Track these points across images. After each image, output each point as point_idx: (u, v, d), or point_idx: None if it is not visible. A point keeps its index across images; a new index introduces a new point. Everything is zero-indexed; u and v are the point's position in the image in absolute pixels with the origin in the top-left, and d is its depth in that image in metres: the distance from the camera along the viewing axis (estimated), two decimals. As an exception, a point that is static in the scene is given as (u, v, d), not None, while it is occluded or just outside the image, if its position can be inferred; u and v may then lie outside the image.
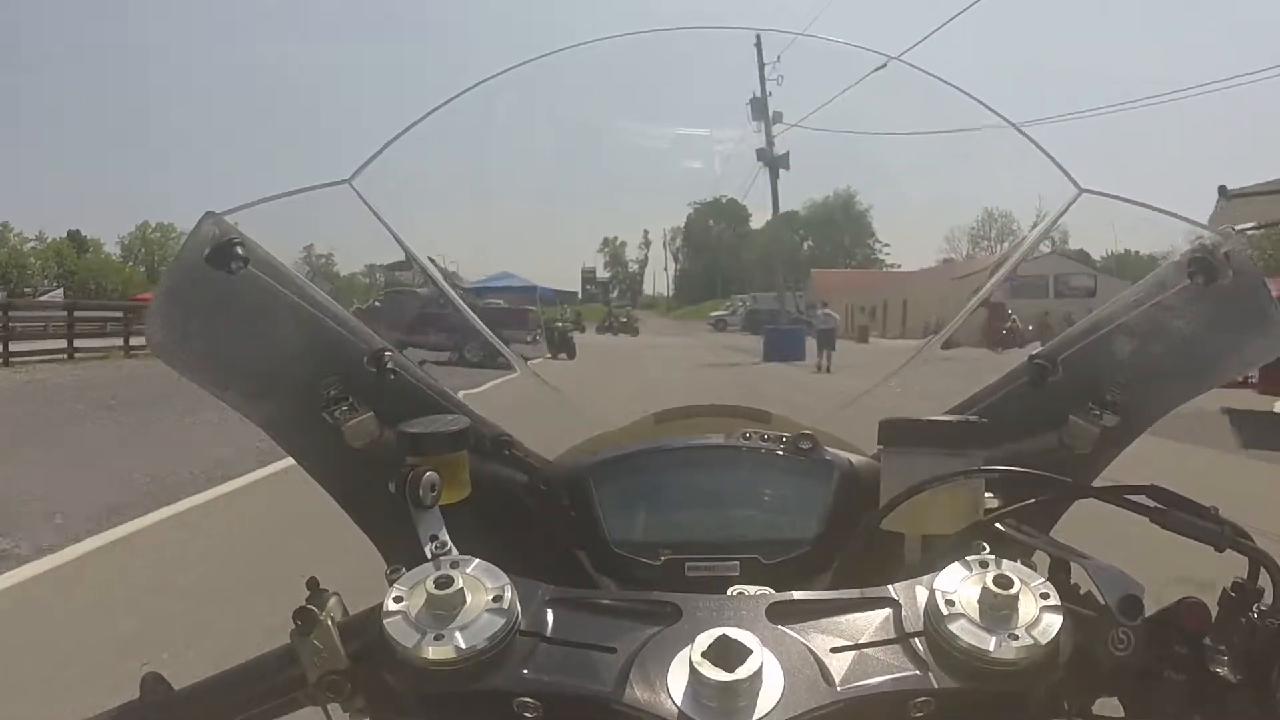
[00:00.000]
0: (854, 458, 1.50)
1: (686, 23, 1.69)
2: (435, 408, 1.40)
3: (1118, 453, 1.44)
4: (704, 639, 0.91)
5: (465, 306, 1.63)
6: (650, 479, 1.52)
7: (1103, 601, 0.97)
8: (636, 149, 2.00)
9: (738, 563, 1.40)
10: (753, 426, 1.55)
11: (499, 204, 2.16)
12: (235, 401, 1.35)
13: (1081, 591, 1.03)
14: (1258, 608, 1.02)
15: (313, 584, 1.05)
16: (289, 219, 1.38)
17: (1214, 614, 1.02)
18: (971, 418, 1.26)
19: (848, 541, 1.31)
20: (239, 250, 1.28)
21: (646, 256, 4.87)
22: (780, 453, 1.49)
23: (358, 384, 1.38)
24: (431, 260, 1.61)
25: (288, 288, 1.34)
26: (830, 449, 1.50)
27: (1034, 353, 1.44)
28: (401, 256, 1.55)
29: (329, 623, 1.01)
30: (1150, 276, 1.41)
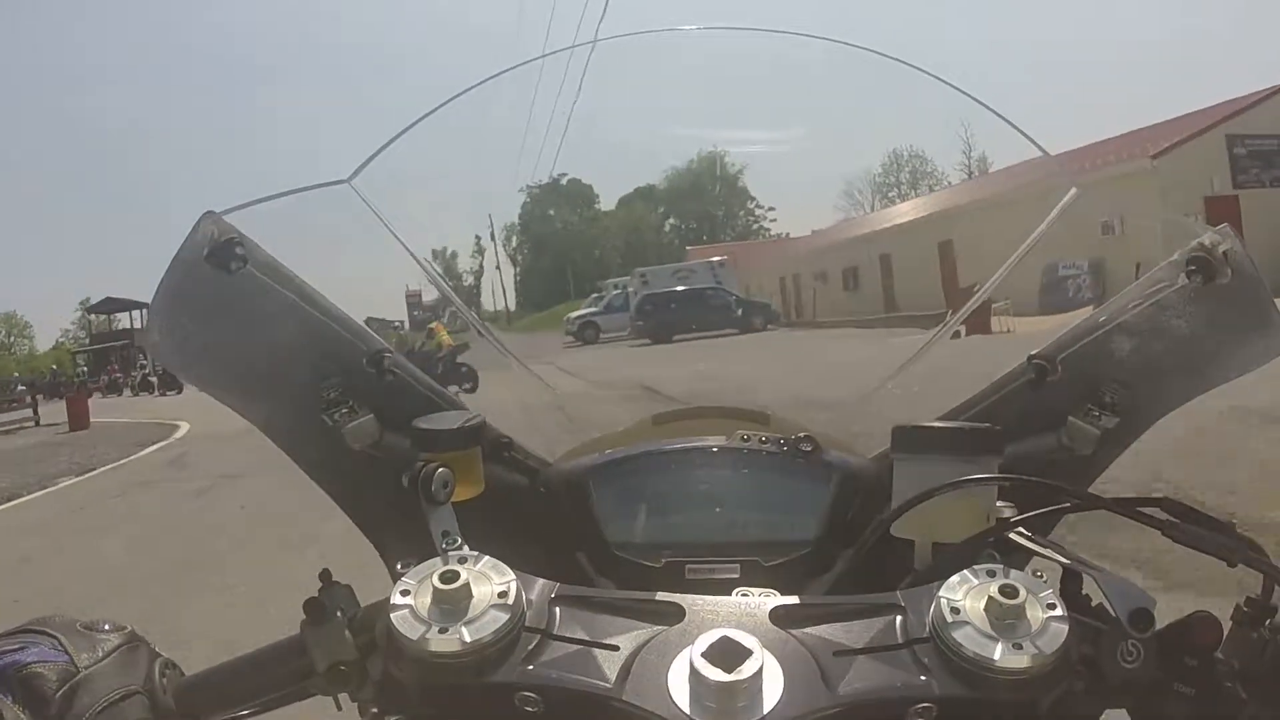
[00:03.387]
0: (854, 459, 1.49)
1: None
2: (434, 409, 1.39)
3: (1118, 454, 1.44)
4: (705, 639, 0.91)
5: (464, 307, 1.64)
6: (650, 481, 1.52)
7: (1113, 613, 0.97)
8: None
9: (737, 564, 1.40)
10: (752, 428, 1.55)
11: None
12: (234, 403, 1.35)
13: (1093, 603, 1.03)
14: (1270, 624, 1.03)
15: (325, 576, 1.06)
16: (288, 219, 1.37)
17: (1226, 629, 1.03)
18: (984, 425, 1.26)
19: (855, 545, 1.30)
20: (238, 250, 1.28)
21: (481, 265, 4.41)
22: (780, 454, 1.49)
23: (357, 385, 1.37)
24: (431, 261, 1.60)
25: (287, 288, 1.33)
26: (830, 451, 1.50)
27: (1033, 353, 1.43)
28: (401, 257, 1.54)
29: (338, 614, 1.02)
30: (1149, 276, 1.41)
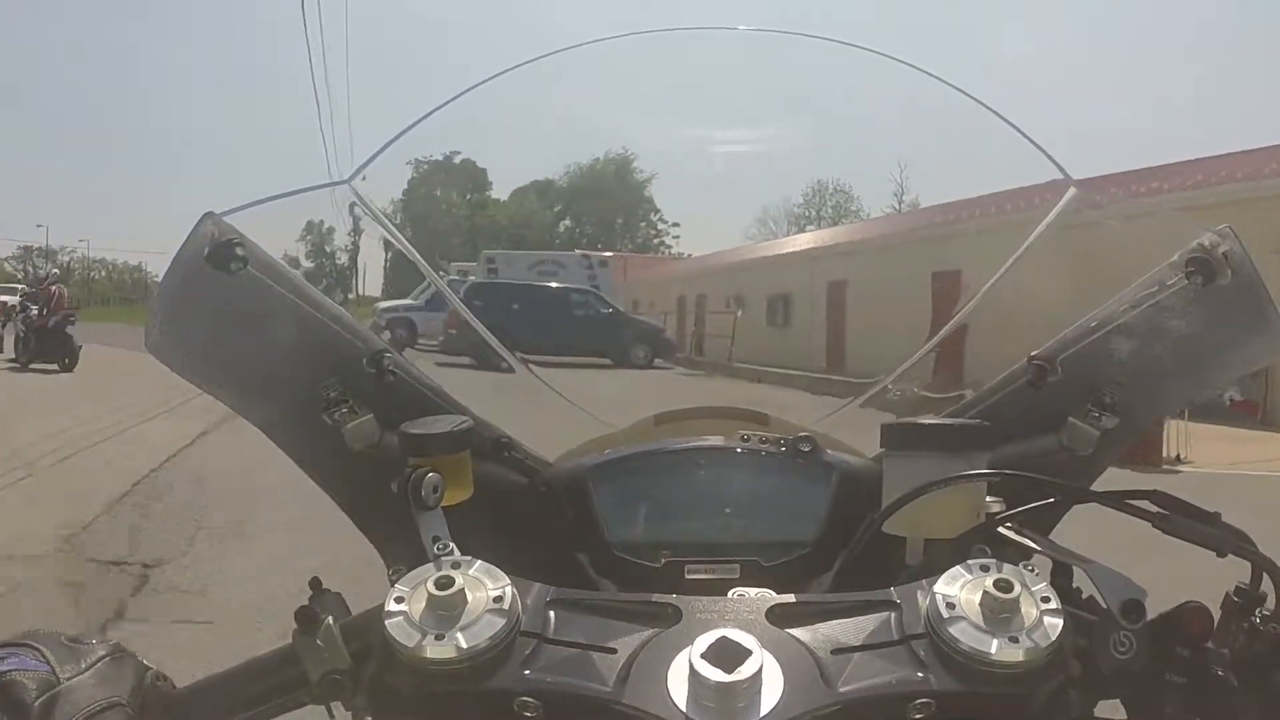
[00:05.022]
0: (853, 459, 1.50)
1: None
2: (434, 409, 1.39)
3: (1117, 454, 1.46)
4: (704, 640, 0.91)
5: (461, 305, 1.64)
6: (650, 481, 1.53)
7: (1105, 605, 0.99)
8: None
9: (737, 565, 1.40)
10: (752, 428, 1.55)
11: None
12: (234, 403, 1.37)
13: (1084, 596, 1.05)
14: (1260, 612, 1.04)
15: (315, 584, 1.06)
16: (289, 219, 1.37)
17: (1216, 618, 1.04)
18: (973, 421, 1.28)
19: (849, 544, 1.32)
20: (238, 251, 1.28)
21: (356, 244, 4.09)
22: (780, 455, 1.49)
23: (357, 386, 1.38)
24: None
25: (287, 289, 1.34)
26: (829, 451, 1.50)
27: (1033, 353, 1.44)
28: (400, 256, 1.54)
29: (331, 622, 1.01)
30: (1149, 277, 1.42)
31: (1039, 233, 1.60)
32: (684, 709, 0.89)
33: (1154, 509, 1.09)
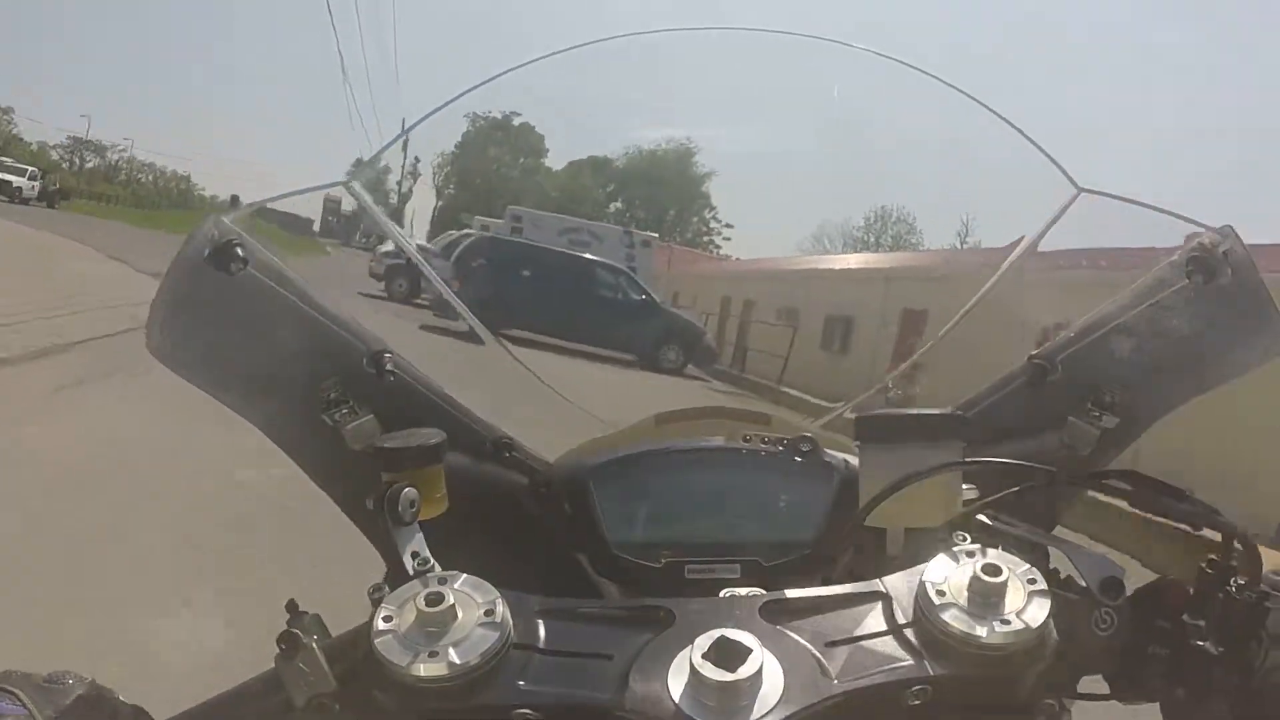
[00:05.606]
0: (853, 460, 1.48)
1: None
2: (435, 409, 1.40)
3: (1118, 454, 1.45)
4: (703, 640, 0.91)
5: (460, 303, 1.64)
6: (651, 481, 1.52)
7: (1084, 584, 1.00)
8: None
9: (738, 565, 1.40)
10: (753, 428, 1.55)
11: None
12: (234, 403, 1.35)
13: (1062, 576, 1.05)
14: (1234, 581, 1.05)
15: (292, 606, 1.03)
16: (290, 220, 1.37)
17: (1192, 590, 1.05)
18: (947, 410, 1.27)
19: (839, 539, 1.32)
20: (239, 251, 1.29)
21: (410, 188, 3.96)
22: (780, 455, 1.49)
23: (358, 386, 1.38)
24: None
25: (288, 289, 1.34)
26: (830, 451, 1.50)
27: (1033, 353, 1.45)
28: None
29: (313, 645, 0.99)
30: (1149, 276, 1.42)
31: (1040, 233, 1.59)
32: (685, 710, 0.89)
33: (1128, 487, 1.10)
